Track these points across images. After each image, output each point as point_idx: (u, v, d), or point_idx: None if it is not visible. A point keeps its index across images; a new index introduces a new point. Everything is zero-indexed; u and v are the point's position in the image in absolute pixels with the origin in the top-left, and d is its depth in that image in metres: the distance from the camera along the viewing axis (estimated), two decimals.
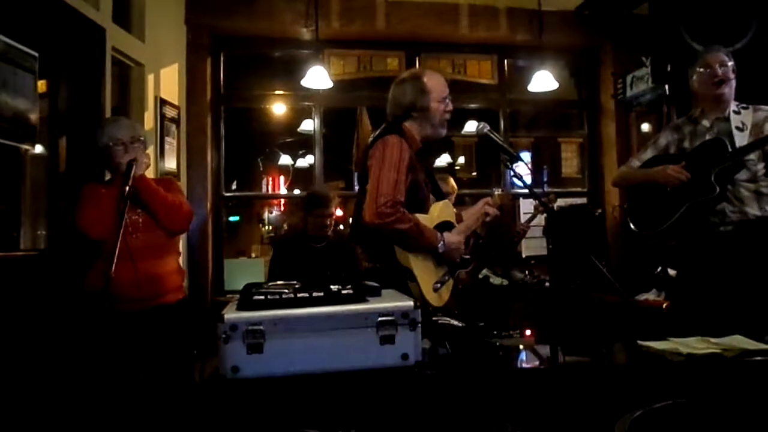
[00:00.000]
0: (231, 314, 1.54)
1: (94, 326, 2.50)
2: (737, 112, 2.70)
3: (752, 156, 2.63)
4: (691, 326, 2.11)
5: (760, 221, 2.63)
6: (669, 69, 3.62)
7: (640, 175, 2.94)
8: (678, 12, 3.36)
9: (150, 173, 2.83)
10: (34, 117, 2.68)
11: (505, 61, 5.20)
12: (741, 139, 2.64)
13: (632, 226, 2.92)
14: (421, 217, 2.21)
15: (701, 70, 2.76)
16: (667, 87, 3.82)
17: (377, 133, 2.37)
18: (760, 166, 2.65)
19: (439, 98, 2.38)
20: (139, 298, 2.51)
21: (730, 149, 2.64)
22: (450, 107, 2.43)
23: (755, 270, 2.58)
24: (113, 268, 2.18)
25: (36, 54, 2.67)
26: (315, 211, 3.74)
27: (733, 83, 2.74)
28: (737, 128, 2.67)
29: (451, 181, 4.05)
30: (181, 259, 2.89)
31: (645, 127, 5.02)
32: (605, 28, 4.90)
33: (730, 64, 2.73)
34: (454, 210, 2.52)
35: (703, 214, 2.69)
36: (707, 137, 2.75)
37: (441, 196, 2.49)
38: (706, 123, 2.79)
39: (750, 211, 2.64)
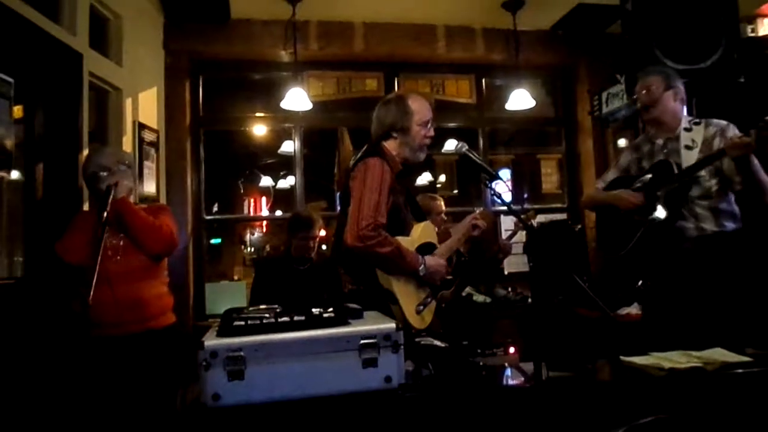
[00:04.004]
0: (211, 341, 1.52)
1: (72, 353, 2.46)
2: (688, 129, 2.71)
3: (703, 173, 2.63)
4: (662, 340, 2.14)
5: (717, 236, 2.64)
6: None
7: (601, 198, 2.98)
8: (650, 30, 3.43)
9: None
10: (9, 143, 2.66)
11: (483, 80, 5.26)
12: (690, 158, 2.65)
13: (601, 250, 2.98)
14: (402, 240, 2.21)
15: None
16: None
17: (359, 155, 2.37)
18: (713, 181, 2.64)
19: (421, 121, 2.39)
20: (119, 322, 2.48)
21: (675, 170, 2.66)
22: (431, 132, 2.44)
23: (714, 284, 2.59)
24: (91, 293, 2.15)
25: (11, 80, 2.66)
26: (299, 234, 3.74)
27: (665, 103, 2.75)
28: (686, 147, 2.68)
29: (440, 201, 4.06)
30: None
31: (622, 142, 5.10)
32: (580, 47, 5.00)
33: (659, 84, 2.76)
34: (439, 230, 2.52)
35: (659, 236, 2.70)
36: (660, 157, 2.78)
37: (422, 217, 2.50)
38: (659, 142, 2.83)
39: (707, 226, 2.65)
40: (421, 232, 2.37)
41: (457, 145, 2.34)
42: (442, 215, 3.95)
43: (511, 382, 1.97)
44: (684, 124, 2.74)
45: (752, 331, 2.42)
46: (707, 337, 2.08)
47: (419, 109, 2.40)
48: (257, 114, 5.00)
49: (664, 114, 2.77)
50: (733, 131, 2.64)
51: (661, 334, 2.59)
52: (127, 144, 3.77)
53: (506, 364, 2.12)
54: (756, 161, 2.51)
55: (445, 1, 4.46)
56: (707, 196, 2.65)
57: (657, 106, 2.76)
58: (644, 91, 2.78)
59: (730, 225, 2.66)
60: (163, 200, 4.27)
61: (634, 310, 3.91)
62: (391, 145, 2.39)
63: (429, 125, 2.42)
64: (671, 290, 2.69)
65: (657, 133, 2.84)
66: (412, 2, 4.44)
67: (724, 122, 2.69)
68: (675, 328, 2.56)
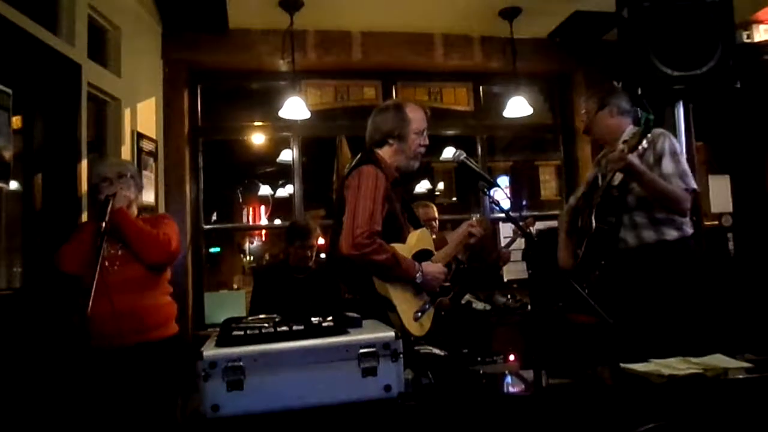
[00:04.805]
0: (210, 351, 1.52)
1: (71, 364, 2.46)
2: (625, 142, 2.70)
3: (634, 184, 2.63)
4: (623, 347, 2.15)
5: (658, 245, 2.64)
6: (639, 92, 3.69)
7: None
8: (646, 37, 3.44)
9: None
10: (8, 154, 2.66)
11: (481, 87, 5.28)
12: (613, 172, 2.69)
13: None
14: (398, 247, 2.21)
15: None
16: (638, 110, 3.90)
17: (353, 163, 2.38)
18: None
19: (417, 130, 2.43)
20: (118, 333, 2.46)
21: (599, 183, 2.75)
22: (426, 141, 2.47)
23: (653, 294, 2.59)
24: (90, 304, 2.14)
25: (9, 91, 2.66)
26: (296, 242, 3.75)
27: (600, 123, 2.85)
28: None
29: (432, 208, 4.07)
30: None
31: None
32: (576, 54, 5.02)
33: (591, 107, 2.87)
34: (434, 237, 2.52)
35: (600, 247, 2.74)
36: (605, 171, 2.82)
37: (418, 224, 2.50)
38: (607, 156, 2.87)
39: (647, 236, 2.66)
40: (418, 239, 2.37)
41: (455, 152, 2.35)
42: (432, 222, 3.96)
43: (511, 389, 1.96)
44: (625, 136, 2.71)
45: (690, 341, 2.39)
46: (651, 346, 2.09)
47: (416, 117, 2.43)
48: (256, 123, 5.00)
49: (603, 133, 2.88)
50: (663, 140, 2.66)
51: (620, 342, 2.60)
52: (126, 154, 3.77)
53: (506, 372, 2.12)
54: (646, 174, 2.52)
55: (443, 10, 4.48)
56: (644, 206, 2.66)
57: (593, 128, 2.88)
58: (584, 112, 2.93)
59: (672, 234, 2.65)
60: (161, 210, 4.27)
61: None
62: (385, 153, 2.41)
63: (424, 134, 2.46)
64: (618, 299, 2.69)
65: (607, 147, 2.92)
66: (409, 11, 4.46)
67: (659, 131, 2.68)
68: (627, 336, 2.57)
